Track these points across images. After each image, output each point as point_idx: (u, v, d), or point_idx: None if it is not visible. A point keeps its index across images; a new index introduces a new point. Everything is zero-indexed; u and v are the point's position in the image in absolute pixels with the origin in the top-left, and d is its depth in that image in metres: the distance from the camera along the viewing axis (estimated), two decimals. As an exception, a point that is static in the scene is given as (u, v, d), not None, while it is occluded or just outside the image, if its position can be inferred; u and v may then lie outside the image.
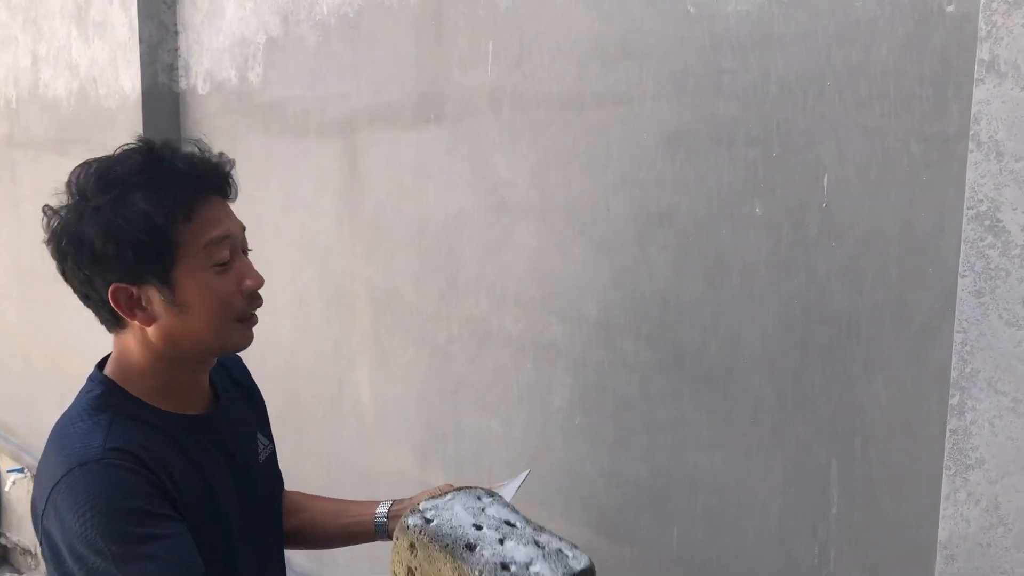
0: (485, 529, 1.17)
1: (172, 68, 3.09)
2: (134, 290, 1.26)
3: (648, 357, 1.77)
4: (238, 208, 1.39)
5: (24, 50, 3.81)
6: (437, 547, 1.15)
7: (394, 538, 1.22)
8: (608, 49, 1.75)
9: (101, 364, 1.38)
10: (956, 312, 1.20)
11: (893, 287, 1.42)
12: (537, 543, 1.16)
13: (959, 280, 1.19)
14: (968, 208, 1.18)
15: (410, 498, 1.57)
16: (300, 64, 2.54)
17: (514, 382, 2.06)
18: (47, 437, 1.31)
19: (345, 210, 2.45)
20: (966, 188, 1.18)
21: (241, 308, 1.32)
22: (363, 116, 2.36)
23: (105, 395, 1.30)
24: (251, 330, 1.36)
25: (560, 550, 1.16)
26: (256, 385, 1.61)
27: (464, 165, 2.10)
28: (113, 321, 1.31)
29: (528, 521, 1.22)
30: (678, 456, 1.75)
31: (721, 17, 1.56)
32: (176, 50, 3.08)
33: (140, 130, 3.06)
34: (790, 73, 1.49)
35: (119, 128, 3.19)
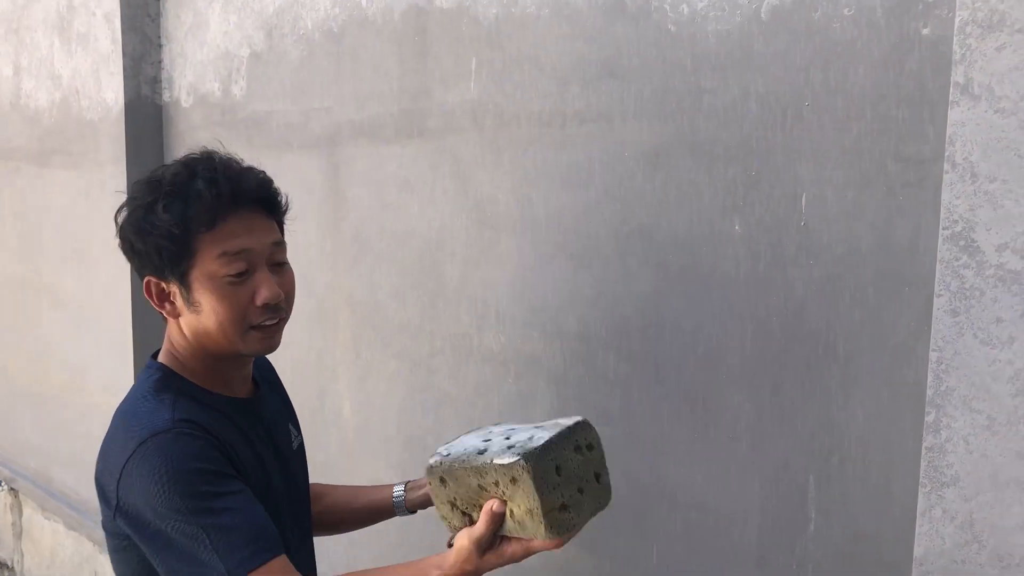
0: (493, 439, 1.30)
1: (155, 81, 3.09)
2: (163, 284, 1.41)
3: (628, 372, 1.78)
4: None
5: (5, 60, 3.80)
6: (458, 466, 1.28)
7: (429, 485, 1.35)
8: (590, 68, 1.76)
9: (155, 355, 1.51)
10: (932, 331, 1.21)
11: (870, 305, 1.43)
12: (537, 427, 1.30)
13: (935, 299, 1.21)
14: (943, 228, 1.20)
15: (421, 478, 1.66)
16: (284, 78, 2.55)
17: (495, 396, 2.06)
18: (112, 419, 1.44)
19: (328, 224, 2.45)
20: (941, 208, 1.20)
21: (253, 319, 1.40)
22: (346, 130, 2.36)
23: (164, 379, 1.42)
24: (273, 337, 1.44)
25: (556, 422, 1.29)
26: (281, 381, 1.71)
27: (447, 180, 2.11)
28: (159, 312, 1.45)
29: (531, 423, 1.35)
30: (658, 471, 1.76)
31: (701, 37, 1.58)
32: (160, 63, 3.08)
33: (123, 142, 3.06)
34: (769, 93, 1.50)
35: (101, 140, 3.19)
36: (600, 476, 1.29)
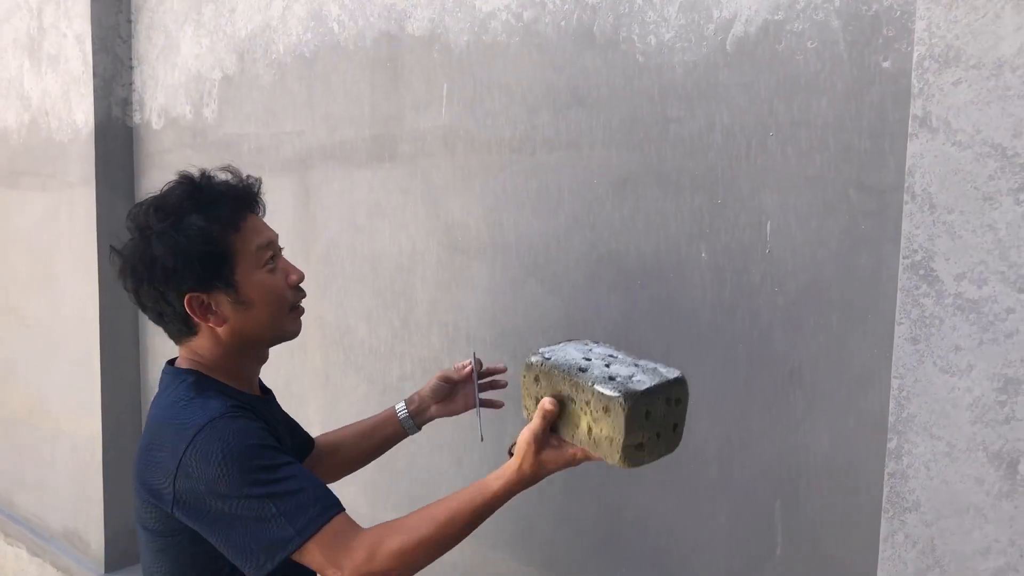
0: (593, 360, 1.36)
1: (126, 102, 3.08)
2: (204, 297, 1.46)
3: (598, 398, 1.79)
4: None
5: (-25, 80, 3.77)
6: (556, 372, 1.35)
7: (521, 377, 1.43)
8: (559, 96, 1.78)
9: (170, 363, 1.56)
10: (893, 358, 1.23)
11: (833, 332, 1.45)
12: (636, 365, 1.35)
13: (896, 327, 1.23)
14: (904, 257, 1.22)
15: (418, 391, 1.80)
16: (255, 101, 2.55)
17: (465, 419, 2.06)
18: (148, 428, 1.46)
19: (299, 247, 2.45)
20: (902, 238, 1.22)
21: (292, 299, 1.54)
22: (317, 154, 2.37)
23: (200, 381, 1.48)
24: (300, 319, 1.57)
25: (656, 368, 1.35)
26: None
27: (418, 205, 2.11)
28: (186, 330, 1.50)
29: (629, 354, 1.41)
30: (627, 496, 1.76)
31: (668, 68, 1.60)
32: (131, 84, 3.07)
33: (92, 164, 3.04)
34: (734, 123, 1.53)
35: (71, 161, 3.16)
36: (677, 426, 1.35)
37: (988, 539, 1.17)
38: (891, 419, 1.24)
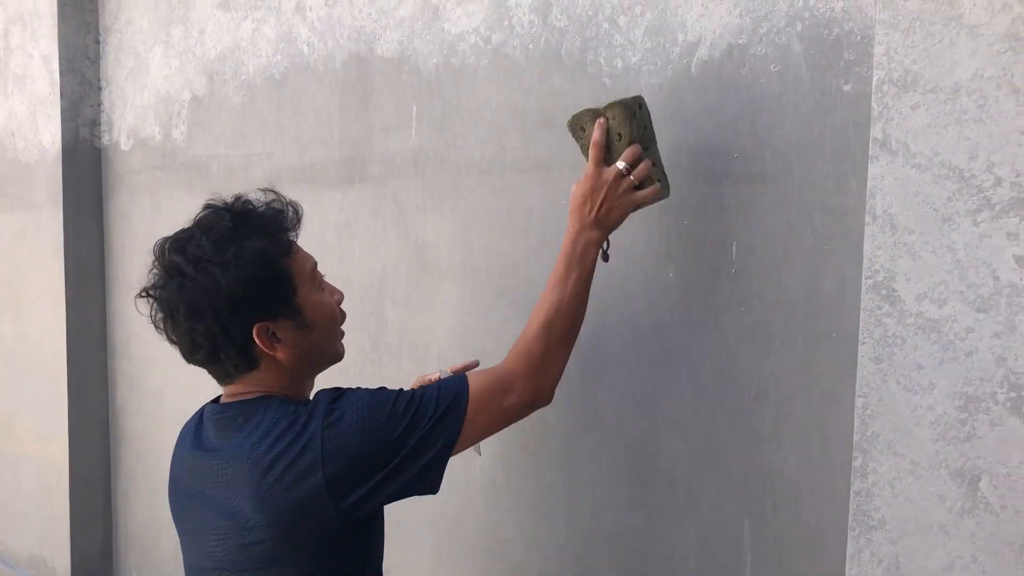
0: None
1: (95, 123, 3.06)
2: (270, 325, 1.42)
3: (567, 418, 1.79)
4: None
5: (-60, 101, 3.73)
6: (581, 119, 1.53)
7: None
8: (528, 118, 1.80)
9: (215, 401, 1.52)
10: (857, 377, 1.25)
11: (799, 352, 1.47)
12: None
13: (859, 346, 1.24)
14: (866, 278, 1.23)
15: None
16: (225, 123, 2.55)
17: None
18: (248, 461, 1.37)
19: (268, 269, 2.44)
20: (864, 259, 1.24)
21: (341, 319, 1.55)
22: (287, 175, 2.36)
23: (286, 399, 1.45)
24: None
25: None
26: None
27: (388, 226, 2.12)
28: (245, 364, 1.44)
29: None
30: (597, 516, 1.77)
31: (635, 90, 1.62)
32: (99, 105, 3.05)
33: (59, 185, 3.02)
34: (700, 145, 1.55)
35: (37, 182, 3.14)
36: (650, 145, 1.49)
37: (951, 556, 1.18)
38: (856, 437, 1.25)
